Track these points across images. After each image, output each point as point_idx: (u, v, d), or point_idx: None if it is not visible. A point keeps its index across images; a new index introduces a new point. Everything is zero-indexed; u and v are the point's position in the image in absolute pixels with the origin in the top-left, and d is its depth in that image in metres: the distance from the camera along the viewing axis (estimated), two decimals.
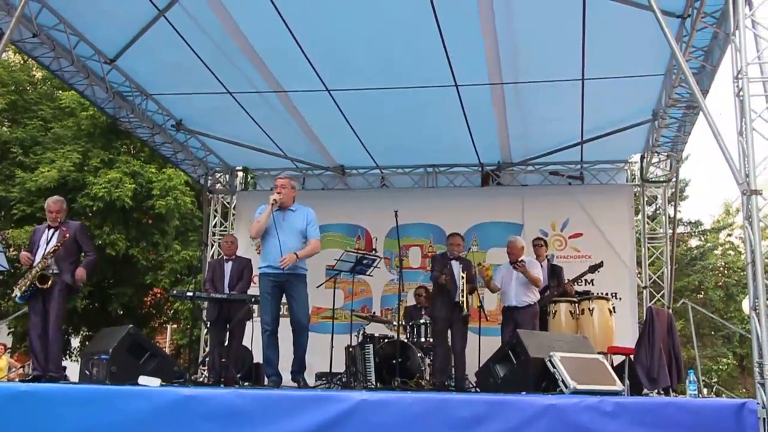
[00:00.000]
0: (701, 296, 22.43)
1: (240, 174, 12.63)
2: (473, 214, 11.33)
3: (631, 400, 5.35)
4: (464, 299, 8.36)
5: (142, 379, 6.02)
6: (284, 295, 7.18)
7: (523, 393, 5.61)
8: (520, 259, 8.57)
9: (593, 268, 9.18)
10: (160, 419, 4.92)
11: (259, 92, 9.30)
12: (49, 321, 7.21)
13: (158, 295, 17.93)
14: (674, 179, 11.19)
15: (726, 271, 23.37)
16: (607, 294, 9.72)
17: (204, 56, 8.52)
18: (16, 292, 7.30)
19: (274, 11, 7.49)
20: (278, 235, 6.99)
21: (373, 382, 8.42)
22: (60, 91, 16.16)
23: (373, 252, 11.11)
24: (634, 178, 11.58)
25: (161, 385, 5.92)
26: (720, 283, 22.91)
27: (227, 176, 12.50)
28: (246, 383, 8.41)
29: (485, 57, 8.17)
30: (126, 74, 9.29)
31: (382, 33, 7.83)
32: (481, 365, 7.28)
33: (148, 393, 5.19)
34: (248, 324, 8.63)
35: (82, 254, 7.59)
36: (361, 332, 9.06)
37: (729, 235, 24.69)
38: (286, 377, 7.15)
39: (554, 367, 5.73)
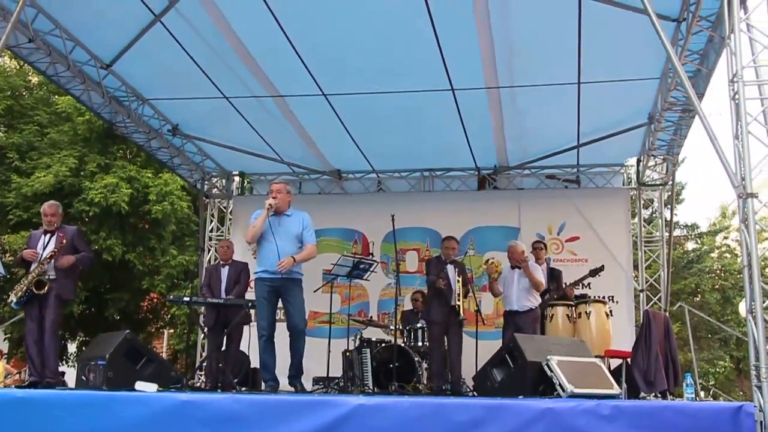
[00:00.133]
0: (698, 299, 22.44)
1: (236, 178, 12.59)
2: (470, 217, 11.35)
3: (628, 403, 5.35)
4: (460, 303, 8.36)
5: (139, 385, 6.00)
6: (280, 300, 7.18)
7: (521, 397, 5.61)
8: (524, 257, 8.58)
9: (594, 272, 9.18)
10: (157, 425, 4.92)
11: (255, 97, 9.30)
12: (45, 327, 7.20)
13: (155, 300, 17.88)
14: (670, 182, 11.20)
15: (722, 274, 23.36)
16: (604, 297, 9.70)
17: (200, 61, 8.52)
18: (12, 298, 7.28)
19: (270, 16, 7.49)
20: (274, 240, 6.99)
21: (371, 387, 8.43)
22: (56, 96, 16.13)
23: (370, 256, 11.11)
24: (631, 182, 11.59)
25: (158, 391, 5.92)
26: (716, 286, 22.91)
27: (224, 181, 12.48)
28: (243, 388, 8.40)
29: (481, 61, 8.18)
30: (122, 79, 9.28)
31: (379, 37, 7.84)
32: (478, 369, 7.27)
33: (145, 398, 5.19)
34: (245, 329, 8.62)
35: None
36: (358, 336, 9.07)
37: (725, 238, 24.69)
38: (284, 382, 7.15)
39: (551, 370, 5.73)
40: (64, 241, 7.29)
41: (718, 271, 23.61)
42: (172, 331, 19.47)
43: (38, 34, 7.91)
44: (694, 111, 6.66)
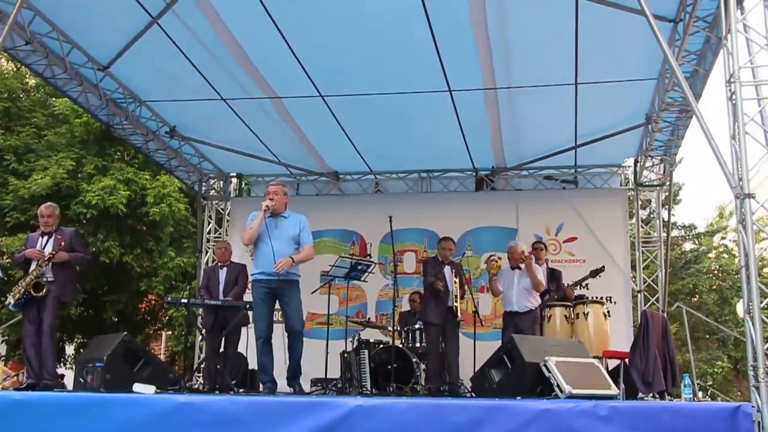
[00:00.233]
0: (696, 300, 22.43)
1: (234, 180, 12.60)
2: (467, 218, 11.35)
3: (626, 404, 5.35)
4: (457, 305, 8.36)
5: (137, 387, 6.00)
6: (278, 302, 7.18)
7: (519, 398, 5.61)
8: (526, 255, 8.58)
9: (595, 273, 9.18)
10: (155, 426, 4.91)
11: (252, 98, 9.29)
12: (43, 329, 7.20)
13: (153, 302, 17.86)
14: (668, 183, 11.20)
15: (720, 275, 23.36)
16: (601, 298, 9.71)
17: (197, 63, 8.51)
18: (10, 300, 7.28)
19: (267, 17, 7.48)
20: (270, 242, 6.99)
21: (369, 388, 8.42)
22: (53, 99, 16.10)
23: (368, 257, 11.10)
24: (628, 182, 11.60)
25: (156, 393, 5.91)
26: (714, 287, 22.90)
27: (221, 182, 12.49)
28: (241, 390, 8.39)
29: (479, 62, 8.18)
30: (119, 81, 9.27)
31: (376, 38, 7.83)
32: (476, 370, 7.27)
33: (143, 400, 5.18)
34: (243, 330, 8.62)
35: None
36: (356, 338, 9.06)
37: (723, 238, 24.70)
38: (282, 383, 7.14)
39: (549, 371, 5.73)
40: (63, 243, 7.29)
41: (715, 272, 23.61)
42: (170, 332, 19.42)
43: (35, 37, 7.91)
44: (692, 111, 6.66)
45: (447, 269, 8.55)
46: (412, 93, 8.89)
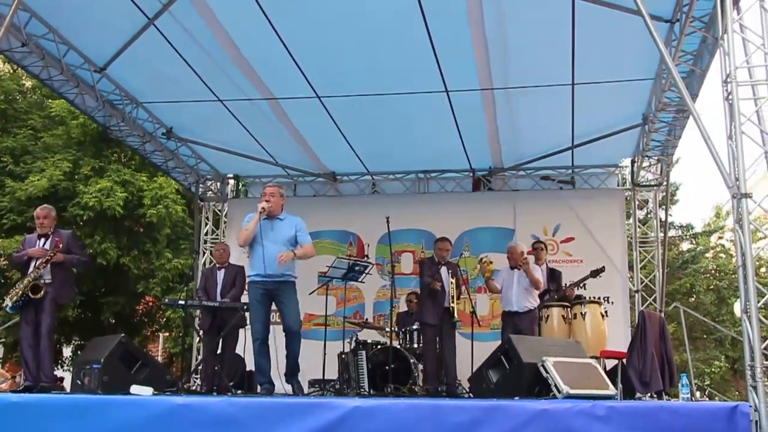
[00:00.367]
0: (693, 299, 22.44)
1: (231, 182, 12.59)
2: (465, 219, 11.35)
3: (624, 404, 5.36)
4: (454, 305, 8.36)
5: (135, 388, 6.00)
6: (274, 303, 7.17)
7: (516, 398, 5.61)
8: (525, 258, 8.58)
9: (595, 273, 9.17)
10: (153, 428, 4.91)
11: (249, 99, 9.29)
12: (41, 331, 7.18)
13: (150, 304, 17.86)
14: (665, 183, 11.22)
15: (717, 274, 23.37)
16: (599, 298, 9.69)
17: (194, 64, 8.51)
18: (7, 302, 7.26)
19: (263, 18, 7.48)
20: (262, 244, 6.99)
21: (366, 389, 8.42)
22: (50, 100, 16.10)
23: (365, 258, 11.10)
24: (625, 183, 11.60)
25: (154, 394, 5.91)
26: (711, 287, 22.91)
27: (218, 184, 12.47)
28: (239, 391, 8.38)
29: (475, 62, 8.19)
30: (116, 83, 9.26)
31: (372, 39, 7.84)
32: (474, 370, 7.27)
33: (140, 402, 5.18)
34: (241, 332, 8.61)
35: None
36: (354, 339, 9.06)
37: (720, 238, 24.71)
38: (279, 384, 7.13)
39: (547, 372, 5.73)
40: (60, 245, 7.28)
41: (712, 272, 23.62)
42: (167, 334, 19.41)
43: (31, 38, 7.89)
44: (688, 112, 6.67)
45: (444, 270, 8.54)
46: (409, 94, 8.89)
